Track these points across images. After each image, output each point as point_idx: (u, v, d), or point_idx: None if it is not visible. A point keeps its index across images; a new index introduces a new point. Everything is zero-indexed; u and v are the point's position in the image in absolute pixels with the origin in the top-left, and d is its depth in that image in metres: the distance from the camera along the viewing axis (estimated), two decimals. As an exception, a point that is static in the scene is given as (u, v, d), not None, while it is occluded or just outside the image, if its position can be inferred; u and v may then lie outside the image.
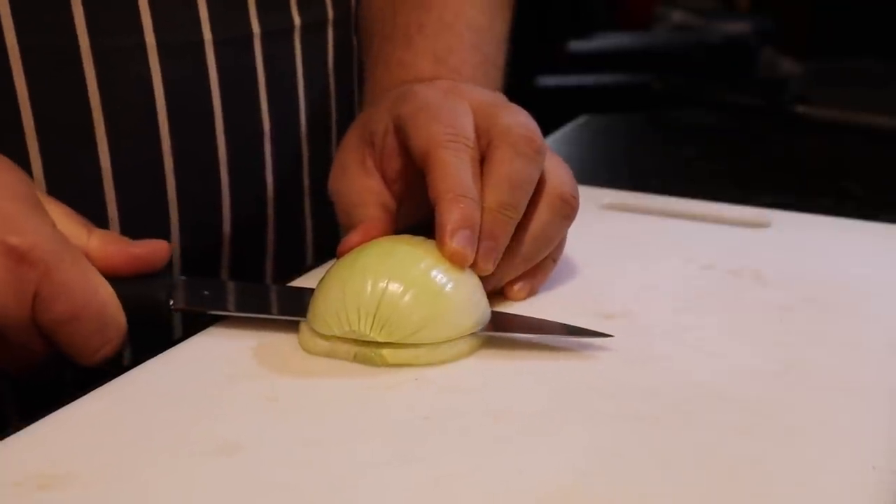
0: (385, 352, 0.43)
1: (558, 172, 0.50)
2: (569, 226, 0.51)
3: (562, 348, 0.45)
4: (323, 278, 0.46)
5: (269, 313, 0.47)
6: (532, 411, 0.40)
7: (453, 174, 0.46)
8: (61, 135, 0.52)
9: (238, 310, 0.47)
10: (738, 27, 2.61)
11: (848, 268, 0.57)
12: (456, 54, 0.58)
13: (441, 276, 0.44)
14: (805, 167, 0.93)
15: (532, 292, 0.51)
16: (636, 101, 1.27)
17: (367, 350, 0.43)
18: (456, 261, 0.45)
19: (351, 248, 0.47)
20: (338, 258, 0.48)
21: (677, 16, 2.77)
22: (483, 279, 0.47)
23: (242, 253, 0.61)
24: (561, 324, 0.46)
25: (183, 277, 0.48)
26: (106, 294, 0.43)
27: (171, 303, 0.46)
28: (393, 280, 0.44)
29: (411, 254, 0.45)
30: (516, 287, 0.50)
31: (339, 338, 0.44)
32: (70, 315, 0.42)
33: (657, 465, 0.36)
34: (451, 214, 0.45)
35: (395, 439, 0.37)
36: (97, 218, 0.52)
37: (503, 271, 0.49)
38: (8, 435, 0.37)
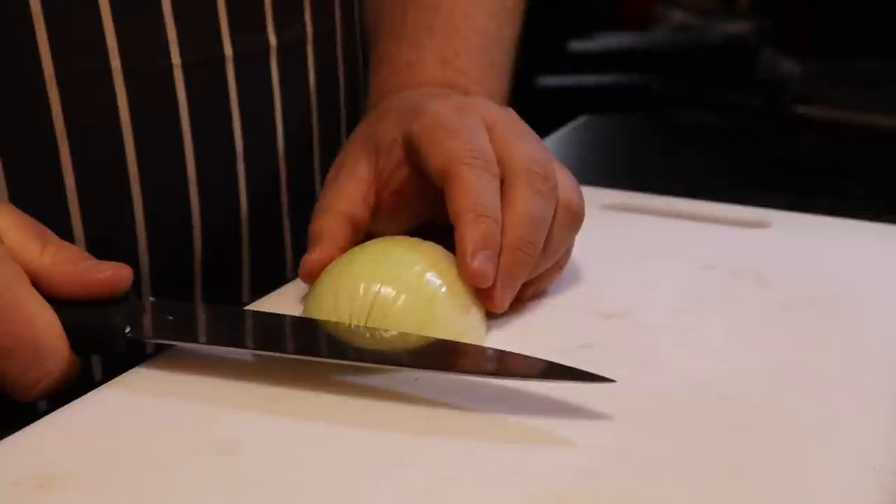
0: None
1: (564, 183, 0.50)
2: (575, 234, 0.51)
3: (562, 349, 0.45)
4: (317, 280, 0.46)
5: (243, 344, 0.43)
6: (532, 411, 0.39)
7: (475, 193, 0.45)
8: (26, 160, 0.50)
9: (208, 341, 0.43)
10: (738, 27, 2.60)
11: (848, 268, 0.57)
12: (463, 57, 0.58)
13: (435, 280, 0.44)
14: (805, 167, 0.93)
15: (535, 296, 0.51)
16: (636, 101, 1.27)
17: None
18: (477, 281, 0.45)
19: (312, 268, 0.47)
20: (302, 278, 0.48)
21: (677, 16, 2.77)
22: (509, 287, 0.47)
23: (216, 276, 0.59)
24: (551, 364, 0.41)
25: (152, 299, 0.44)
26: (44, 322, 0.39)
27: (128, 330, 0.41)
28: (385, 284, 0.43)
29: (406, 257, 0.45)
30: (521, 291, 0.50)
31: None
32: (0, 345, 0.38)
33: (657, 464, 0.36)
34: (473, 234, 0.45)
35: (395, 439, 0.37)
36: None
37: None
38: (7, 435, 0.37)
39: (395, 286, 0.43)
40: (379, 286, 0.43)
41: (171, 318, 0.43)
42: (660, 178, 0.84)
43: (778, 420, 0.39)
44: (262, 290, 0.53)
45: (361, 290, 0.43)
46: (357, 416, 0.39)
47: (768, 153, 0.99)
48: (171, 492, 0.34)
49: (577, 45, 2.33)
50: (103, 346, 0.41)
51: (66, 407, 0.39)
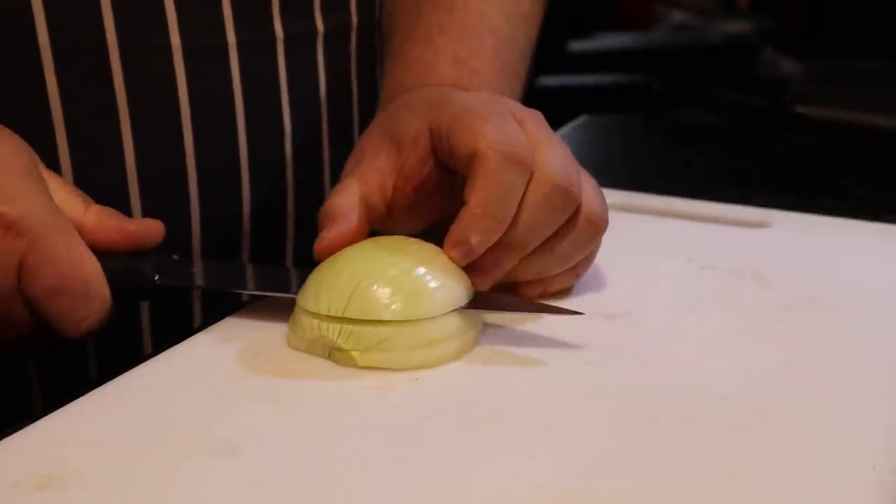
0: (355, 353, 0.43)
1: (587, 190, 0.49)
2: (594, 243, 0.50)
3: (561, 349, 0.45)
4: (309, 277, 0.46)
5: (251, 289, 0.49)
6: (531, 412, 0.40)
7: (494, 188, 0.45)
8: (88, 130, 0.53)
9: (225, 286, 0.49)
10: (738, 27, 2.60)
11: (848, 268, 0.57)
12: (477, 58, 0.58)
13: (425, 275, 0.44)
14: (805, 167, 0.93)
15: (543, 295, 0.51)
16: (636, 101, 1.26)
17: (337, 350, 0.43)
18: (452, 259, 0.46)
19: (328, 246, 0.47)
20: (316, 257, 0.48)
21: (677, 16, 2.77)
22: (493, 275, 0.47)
23: (262, 248, 0.62)
24: (535, 303, 0.47)
25: (175, 256, 0.48)
26: (92, 267, 0.43)
27: (157, 278, 0.46)
28: (367, 278, 0.43)
29: (396, 254, 0.45)
30: (528, 288, 0.50)
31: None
32: (54, 286, 0.42)
33: (657, 465, 0.36)
34: (467, 226, 0.45)
35: (394, 440, 0.37)
36: (120, 211, 0.53)
37: (517, 274, 0.49)
38: (8, 435, 0.37)
39: (376, 280, 0.43)
40: (360, 279, 0.43)
41: (193, 269, 0.49)
42: (660, 178, 0.84)
43: (778, 420, 0.39)
44: (304, 261, 0.54)
45: (342, 283, 0.43)
46: (357, 416, 0.39)
47: (768, 153, 0.99)
48: (170, 492, 0.34)
49: (577, 45, 2.33)
50: (135, 291, 0.47)
51: (65, 407, 0.39)
